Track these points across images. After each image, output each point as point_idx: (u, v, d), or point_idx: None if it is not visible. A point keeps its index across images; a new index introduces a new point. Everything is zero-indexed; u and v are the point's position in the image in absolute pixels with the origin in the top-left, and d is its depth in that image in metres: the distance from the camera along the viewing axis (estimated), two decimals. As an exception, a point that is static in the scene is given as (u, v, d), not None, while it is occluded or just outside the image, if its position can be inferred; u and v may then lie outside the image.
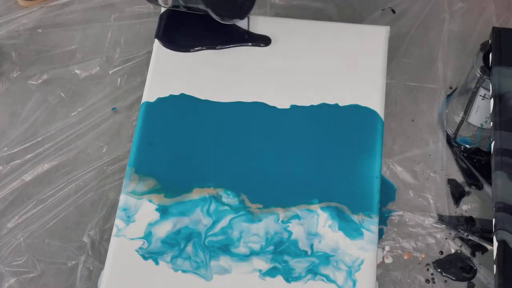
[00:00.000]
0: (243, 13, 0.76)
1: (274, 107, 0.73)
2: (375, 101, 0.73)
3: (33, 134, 0.79)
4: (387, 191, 0.74)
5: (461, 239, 0.72)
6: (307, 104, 0.73)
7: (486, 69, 0.70)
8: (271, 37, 0.77)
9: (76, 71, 0.84)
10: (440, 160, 0.76)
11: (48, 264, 0.72)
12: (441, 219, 0.73)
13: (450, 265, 0.71)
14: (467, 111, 0.74)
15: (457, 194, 0.75)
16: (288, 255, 0.66)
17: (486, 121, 0.73)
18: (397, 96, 0.81)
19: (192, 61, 0.77)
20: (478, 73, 0.70)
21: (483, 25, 0.84)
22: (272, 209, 0.68)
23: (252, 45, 0.77)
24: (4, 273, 0.71)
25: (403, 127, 0.79)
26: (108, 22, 0.87)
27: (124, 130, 0.80)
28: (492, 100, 0.67)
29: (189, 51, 0.77)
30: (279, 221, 0.67)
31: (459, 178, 0.76)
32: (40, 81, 0.83)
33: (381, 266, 0.71)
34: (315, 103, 0.73)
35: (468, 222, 0.73)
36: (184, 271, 0.65)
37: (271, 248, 0.66)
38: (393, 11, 0.86)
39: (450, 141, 0.78)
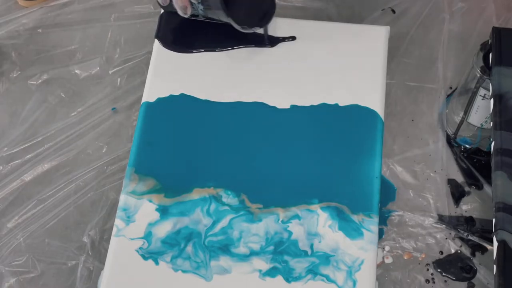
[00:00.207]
0: (264, 22, 0.76)
1: (274, 107, 0.73)
2: (375, 101, 0.73)
3: (33, 134, 0.79)
4: (387, 191, 0.74)
5: (461, 239, 0.72)
6: (307, 104, 0.73)
7: (486, 69, 0.70)
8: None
9: (76, 71, 0.84)
10: (440, 160, 0.76)
11: (48, 264, 0.72)
12: (441, 219, 0.73)
13: (450, 265, 0.71)
14: (467, 111, 0.74)
15: (457, 194, 0.75)
16: (288, 255, 0.66)
17: (486, 121, 0.73)
18: (397, 96, 0.81)
19: (192, 61, 0.77)
20: (478, 73, 0.70)
21: (483, 25, 0.84)
22: (272, 209, 0.68)
23: (256, 46, 0.77)
24: (4, 273, 0.71)
25: (403, 127, 0.79)
26: (108, 22, 0.87)
27: (124, 130, 0.80)
28: (492, 100, 0.67)
29: (189, 52, 0.77)
30: (279, 221, 0.67)
31: (459, 178, 0.76)
32: (40, 81, 0.83)
33: (381, 266, 0.71)
34: (315, 103, 0.73)
35: (468, 222, 0.73)
36: (184, 271, 0.65)
37: (271, 248, 0.66)
38: (393, 11, 0.86)
39: (450, 141, 0.78)
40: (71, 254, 0.72)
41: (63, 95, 0.83)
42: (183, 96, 0.74)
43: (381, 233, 0.72)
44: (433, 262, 0.71)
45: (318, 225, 0.67)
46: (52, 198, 0.75)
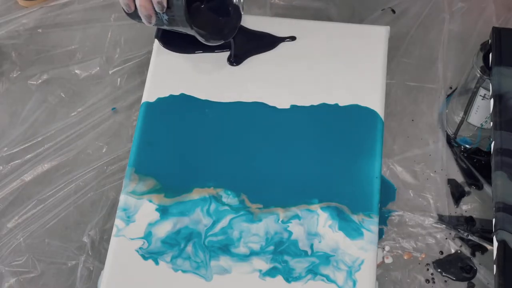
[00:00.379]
0: (227, 35, 0.76)
1: (274, 107, 0.73)
2: (375, 101, 0.73)
3: (33, 134, 0.79)
4: (387, 191, 0.74)
5: (461, 239, 0.72)
6: (307, 104, 0.73)
7: (486, 69, 0.70)
8: (271, 37, 0.78)
9: (76, 71, 0.84)
10: (440, 160, 0.76)
11: (48, 264, 0.72)
12: (441, 219, 0.73)
13: (450, 265, 0.71)
14: (467, 111, 0.74)
15: (457, 194, 0.75)
16: (288, 255, 0.66)
17: (486, 121, 0.73)
18: (397, 96, 0.81)
19: (192, 61, 0.77)
20: (478, 73, 0.70)
21: (483, 25, 0.84)
22: (272, 209, 0.68)
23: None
24: (4, 273, 0.71)
25: (403, 127, 0.79)
26: (108, 22, 0.87)
27: (124, 130, 0.80)
28: (492, 100, 0.67)
29: (188, 53, 0.77)
30: (279, 221, 0.67)
31: (459, 178, 0.76)
32: (40, 81, 0.83)
33: (381, 266, 0.71)
34: (315, 103, 0.73)
35: (468, 222, 0.73)
36: (184, 271, 0.65)
37: (271, 248, 0.66)
38: (393, 11, 0.86)
39: (450, 141, 0.78)
40: (71, 254, 0.72)
41: (63, 95, 0.83)
42: (183, 96, 0.74)
43: (381, 233, 0.72)
44: (433, 262, 0.71)
45: (318, 225, 0.67)
46: (52, 198, 0.75)
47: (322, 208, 0.68)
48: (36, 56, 0.85)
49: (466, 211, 0.74)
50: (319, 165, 0.70)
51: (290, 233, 0.67)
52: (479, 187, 0.75)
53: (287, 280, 0.65)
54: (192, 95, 0.74)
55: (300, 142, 0.71)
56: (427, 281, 0.70)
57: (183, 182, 0.70)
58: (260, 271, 0.65)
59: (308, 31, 0.78)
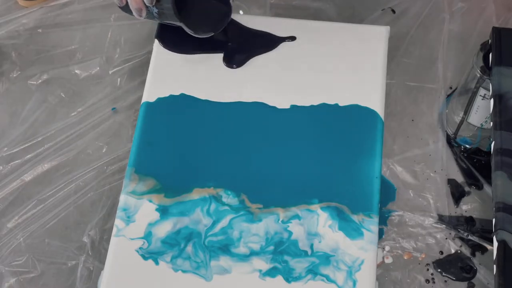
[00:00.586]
0: (217, 27, 0.76)
1: (274, 107, 0.73)
2: (375, 101, 0.73)
3: (33, 134, 0.79)
4: (387, 191, 0.74)
5: (461, 239, 0.72)
6: (307, 104, 0.73)
7: (486, 69, 0.70)
8: (271, 37, 0.78)
9: (76, 71, 0.84)
10: (440, 160, 0.76)
11: (48, 264, 0.72)
12: (441, 219, 0.73)
13: (450, 265, 0.71)
14: (467, 111, 0.74)
15: (457, 194, 0.75)
16: (288, 255, 0.66)
17: (486, 121, 0.73)
18: (397, 96, 0.81)
19: (192, 61, 0.77)
20: (478, 73, 0.70)
21: (483, 25, 0.84)
22: (272, 209, 0.68)
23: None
24: (4, 273, 0.71)
25: (403, 127, 0.79)
26: (108, 22, 0.87)
27: (124, 130, 0.80)
28: (492, 100, 0.67)
29: (188, 53, 0.77)
30: (279, 221, 0.67)
31: (459, 178, 0.76)
32: (40, 81, 0.83)
33: (381, 266, 0.71)
34: (315, 103, 0.73)
35: (468, 222, 0.73)
36: (184, 271, 0.65)
37: (271, 248, 0.66)
38: (393, 11, 0.86)
39: (450, 141, 0.78)
40: (71, 254, 0.72)
41: (63, 95, 0.83)
42: (183, 96, 0.74)
43: (381, 233, 0.72)
44: (433, 262, 0.71)
45: (318, 225, 0.67)
46: (52, 198, 0.75)
47: (322, 208, 0.68)
48: (36, 56, 0.85)
49: (466, 211, 0.74)
50: (319, 165, 0.70)
51: (290, 233, 0.67)
52: (479, 187, 0.75)
53: (287, 280, 0.65)
54: (192, 95, 0.74)
55: (300, 142, 0.71)
56: (427, 281, 0.70)
57: (183, 182, 0.70)
58: (260, 271, 0.65)
59: (308, 31, 0.78)
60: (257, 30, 0.78)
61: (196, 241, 0.67)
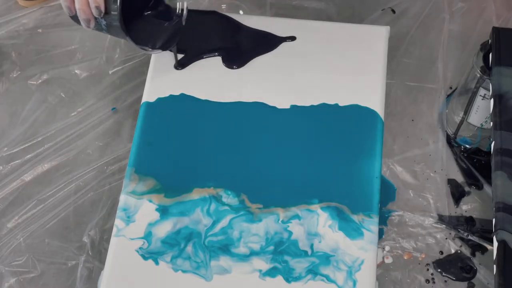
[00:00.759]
0: (165, 45, 0.75)
1: (274, 107, 0.73)
2: (375, 101, 0.73)
3: (33, 134, 0.79)
4: (387, 191, 0.74)
5: (461, 239, 0.72)
6: (307, 104, 0.73)
7: (486, 69, 0.70)
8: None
9: (76, 71, 0.84)
10: (440, 160, 0.76)
11: (48, 264, 0.72)
12: (441, 219, 0.73)
13: (450, 265, 0.71)
14: (467, 111, 0.74)
15: (457, 194, 0.75)
16: (288, 255, 0.66)
17: (486, 121, 0.73)
18: (397, 96, 0.81)
19: (192, 61, 0.77)
20: (478, 73, 0.70)
21: (483, 25, 0.84)
22: (272, 209, 0.68)
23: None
24: (4, 273, 0.71)
25: (403, 127, 0.79)
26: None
27: (124, 130, 0.80)
28: (492, 100, 0.67)
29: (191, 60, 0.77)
30: (279, 221, 0.67)
31: (459, 178, 0.76)
32: (40, 81, 0.83)
33: (381, 266, 0.71)
34: (315, 103, 0.73)
35: (468, 222, 0.73)
36: (184, 271, 0.65)
37: (271, 248, 0.66)
38: (393, 11, 0.86)
39: (450, 141, 0.78)
40: (71, 254, 0.72)
41: (63, 95, 0.83)
42: (183, 96, 0.74)
43: (381, 233, 0.72)
44: (433, 262, 0.71)
45: (318, 225, 0.67)
46: (52, 198, 0.75)
47: (322, 208, 0.68)
48: (36, 56, 0.85)
49: (466, 211, 0.74)
50: (319, 165, 0.70)
51: (290, 233, 0.67)
52: (479, 187, 0.75)
53: (287, 280, 0.65)
54: (192, 95, 0.74)
55: (300, 142, 0.71)
56: (427, 281, 0.70)
57: (183, 182, 0.70)
58: (260, 271, 0.65)
59: (308, 31, 0.78)
60: (257, 30, 0.78)
61: (196, 241, 0.67)
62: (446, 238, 0.72)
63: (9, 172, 0.77)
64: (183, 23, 0.75)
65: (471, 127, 0.75)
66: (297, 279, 0.65)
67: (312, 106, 0.73)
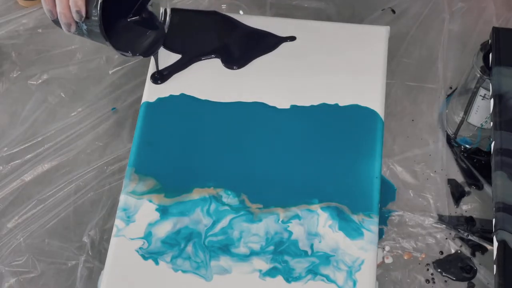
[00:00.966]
0: (146, 52, 0.75)
1: (274, 107, 0.73)
2: (375, 101, 0.73)
3: (33, 134, 0.79)
4: (387, 191, 0.74)
5: (461, 239, 0.72)
6: (307, 104, 0.73)
7: (486, 69, 0.70)
8: (271, 37, 0.78)
9: (76, 71, 0.84)
10: (440, 160, 0.76)
11: (48, 264, 0.72)
12: (441, 219, 0.73)
13: (450, 265, 0.71)
14: (467, 111, 0.74)
15: (457, 194, 0.75)
16: (288, 255, 0.66)
17: (486, 121, 0.73)
18: (397, 96, 0.81)
19: (192, 61, 0.77)
20: (478, 73, 0.70)
21: (483, 25, 0.84)
22: (272, 209, 0.68)
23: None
24: (4, 273, 0.71)
25: (403, 127, 0.79)
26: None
27: (124, 130, 0.80)
28: (492, 100, 0.67)
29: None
30: (279, 221, 0.67)
31: (459, 178, 0.76)
32: (40, 81, 0.83)
33: (381, 266, 0.71)
34: (315, 103, 0.73)
35: (468, 222, 0.73)
36: (184, 271, 0.65)
37: (271, 248, 0.66)
38: (393, 11, 0.86)
39: (450, 141, 0.78)
40: (71, 254, 0.72)
41: (63, 95, 0.83)
42: (183, 96, 0.74)
43: (381, 233, 0.72)
44: (433, 262, 0.71)
45: (318, 225, 0.67)
46: (52, 198, 0.75)
47: (322, 208, 0.68)
48: (36, 56, 0.85)
49: (466, 211, 0.74)
50: (319, 165, 0.70)
51: (290, 233, 0.67)
52: (479, 187, 0.75)
53: (287, 280, 0.65)
54: (192, 95, 0.74)
55: (300, 142, 0.71)
56: (427, 281, 0.70)
57: (183, 182, 0.70)
58: (260, 271, 0.65)
59: (308, 31, 0.78)
60: (257, 29, 0.78)
61: (196, 241, 0.67)
62: (446, 238, 0.72)
63: (9, 172, 0.77)
64: (165, 31, 0.75)
65: (471, 127, 0.75)
66: (297, 279, 0.65)
67: (312, 106, 0.73)
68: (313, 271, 0.65)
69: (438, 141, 0.78)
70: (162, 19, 0.76)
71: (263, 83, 0.75)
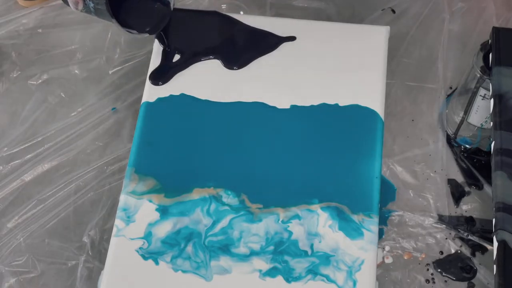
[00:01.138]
0: (152, 30, 0.75)
1: (274, 107, 0.73)
2: (375, 101, 0.73)
3: (33, 134, 0.79)
4: (387, 191, 0.74)
5: (461, 239, 0.72)
6: (307, 104, 0.73)
7: (486, 69, 0.70)
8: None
9: (76, 71, 0.84)
10: (440, 160, 0.76)
11: (48, 264, 0.72)
12: (441, 219, 0.73)
13: (450, 265, 0.71)
14: (467, 111, 0.74)
15: (457, 194, 0.75)
16: (288, 255, 0.66)
17: (486, 121, 0.73)
18: (397, 96, 0.81)
19: (192, 61, 0.77)
20: (478, 73, 0.70)
21: (483, 25, 0.84)
22: (272, 209, 0.68)
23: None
24: (4, 273, 0.71)
25: (403, 127, 0.79)
26: (108, 22, 0.87)
27: (124, 130, 0.80)
28: (492, 100, 0.67)
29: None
30: (279, 221, 0.67)
31: (459, 178, 0.76)
32: (40, 81, 0.83)
33: (381, 266, 0.71)
34: (315, 103, 0.73)
35: (468, 222, 0.73)
36: (184, 271, 0.65)
37: (271, 248, 0.66)
38: (393, 11, 0.86)
39: (450, 141, 0.78)
40: (71, 254, 0.72)
41: (63, 95, 0.83)
42: (183, 96, 0.74)
43: (381, 233, 0.72)
44: (433, 262, 0.71)
45: (318, 225, 0.67)
46: (52, 198, 0.75)
47: (322, 208, 0.68)
48: (36, 56, 0.85)
49: (466, 211, 0.74)
50: (319, 165, 0.70)
51: (290, 233, 0.67)
52: (479, 187, 0.75)
53: (287, 280, 0.65)
54: (192, 95, 0.74)
55: (300, 142, 0.71)
56: (427, 281, 0.70)
57: (183, 182, 0.70)
58: (260, 271, 0.65)
59: (308, 31, 0.78)
60: (257, 29, 0.78)
61: (196, 241, 0.67)
62: (446, 238, 0.72)
63: (9, 172, 0.77)
64: (172, 8, 0.75)
65: (471, 127, 0.75)
66: (297, 279, 0.65)
67: (312, 106, 0.73)
68: (313, 271, 0.65)
69: (438, 141, 0.78)
70: None
71: (263, 83, 0.75)
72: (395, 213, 0.73)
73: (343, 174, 0.69)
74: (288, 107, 0.73)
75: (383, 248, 0.71)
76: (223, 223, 0.68)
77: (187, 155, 0.71)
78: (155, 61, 0.77)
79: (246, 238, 0.67)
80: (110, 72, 0.84)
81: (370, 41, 0.77)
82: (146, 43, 0.84)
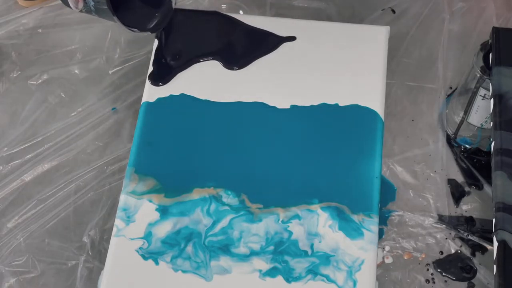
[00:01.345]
0: (154, 28, 0.75)
1: (274, 107, 0.73)
2: (375, 101, 0.73)
3: (33, 134, 0.79)
4: (387, 191, 0.74)
5: (461, 239, 0.72)
6: (307, 104, 0.73)
7: (486, 69, 0.70)
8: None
9: (76, 71, 0.84)
10: (440, 160, 0.76)
11: (48, 264, 0.72)
12: (441, 219, 0.73)
13: (450, 265, 0.71)
14: (467, 111, 0.74)
15: (457, 194, 0.75)
16: (288, 255, 0.66)
17: (486, 121, 0.73)
18: (397, 96, 0.81)
19: (192, 61, 0.77)
20: (478, 73, 0.70)
21: (483, 25, 0.84)
22: (272, 209, 0.68)
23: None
24: (4, 273, 0.71)
25: (403, 127, 0.79)
26: (108, 22, 0.87)
27: (124, 130, 0.80)
28: (492, 100, 0.67)
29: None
30: (279, 221, 0.67)
31: (459, 178, 0.76)
32: (40, 81, 0.83)
33: (381, 266, 0.71)
34: (315, 103, 0.73)
35: (468, 222, 0.73)
36: (184, 271, 0.65)
37: (271, 248, 0.66)
38: (393, 11, 0.86)
39: (450, 141, 0.78)
40: (71, 254, 0.72)
41: (63, 95, 0.83)
42: (183, 96, 0.74)
43: (381, 233, 0.72)
44: (433, 262, 0.71)
45: (318, 225, 0.67)
46: (52, 198, 0.75)
47: (322, 208, 0.68)
48: (36, 56, 0.85)
49: (466, 211, 0.74)
50: (319, 165, 0.70)
51: (290, 233, 0.67)
52: (479, 187, 0.75)
53: (287, 280, 0.65)
54: (192, 95, 0.74)
55: (300, 142, 0.71)
56: (427, 281, 0.70)
57: (183, 182, 0.70)
58: (260, 271, 0.65)
59: (308, 31, 0.78)
60: (257, 29, 0.78)
61: (196, 241, 0.67)
62: (446, 238, 0.72)
63: (9, 172, 0.77)
64: (173, 6, 0.75)
65: (471, 127, 0.75)
66: (297, 279, 0.65)
67: (312, 106, 0.73)
68: (313, 271, 0.65)
69: (438, 141, 0.78)
70: None
71: (263, 83, 0.75)
72: (395, 213, 0.73)
73: (343, 174, 0.69)
74: (288, 107, 0.73)
75: (383, 248, 0.71)
76: (223, 223, 0.68)
77: (187, 155, 0.71)
78: (155, 61, 0.77)
79: (246, 238, 0.67)
80: (110, 72, 0.84)
81: (370, 41, 0.77)
82: (146, 43, 0.84)
